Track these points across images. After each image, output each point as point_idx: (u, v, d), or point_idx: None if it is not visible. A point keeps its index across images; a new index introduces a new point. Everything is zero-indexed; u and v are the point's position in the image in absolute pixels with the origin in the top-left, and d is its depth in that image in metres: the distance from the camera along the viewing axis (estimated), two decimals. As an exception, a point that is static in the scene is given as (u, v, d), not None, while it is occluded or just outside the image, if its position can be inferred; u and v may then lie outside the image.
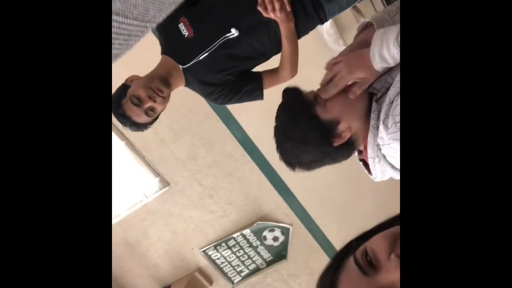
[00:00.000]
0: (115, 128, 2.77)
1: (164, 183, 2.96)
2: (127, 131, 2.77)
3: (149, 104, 1.26)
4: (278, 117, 0.97)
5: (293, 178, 2.81)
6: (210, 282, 3.32)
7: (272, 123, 2.64)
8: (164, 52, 1.36)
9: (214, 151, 2.81)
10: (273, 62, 1.43)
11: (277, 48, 1.36)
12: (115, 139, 2.81)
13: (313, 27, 1.40)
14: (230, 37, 1.29)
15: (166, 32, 1.33)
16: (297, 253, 3.20)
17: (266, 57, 1.38)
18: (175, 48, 1.33)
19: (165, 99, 1.30)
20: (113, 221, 3.14)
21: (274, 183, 2.88)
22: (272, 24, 1.28)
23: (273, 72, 1.41)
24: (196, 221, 3.10)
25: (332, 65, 0.93)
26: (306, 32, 1.40)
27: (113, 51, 0.44)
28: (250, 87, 1.39)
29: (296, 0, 1.27)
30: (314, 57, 2.18)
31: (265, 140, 2.77)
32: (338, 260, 0.53)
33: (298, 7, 1.29)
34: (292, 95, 0.96)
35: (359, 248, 0.51)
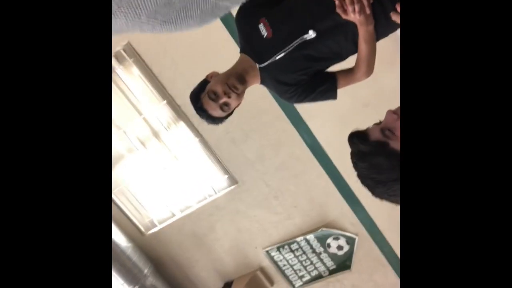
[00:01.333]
0: (190, 125, 2.93)
1: (233, 180, 3.05)
2: (202, 129, 2.92)
3: (224, 99, 1.32)
4: (356, 166, 0.94)
5: (362, 187, 2.71)
6: (271, 282, 3.34)
7: (342, 129, 2.58)
8: (242, 50, 1.41)
9: (282, 153, 2.82)
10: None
11: (354, 50, 1.34)
12: (191, 136, 2.97)
13: (393, 30, 1.35)
14: (307, 38, 1.30)
15: (246, 31, 1.39)
16: (362, 265, 3.07)
17: (341, 58, 1.38)
18: (254, 47, 1.37)
19: (240, 95, 1.35)
20: (184, 213, 3.32)
21: (341, 190, 2.81)
22: (350, 26, 1.27)
23: (348, 72, 1.41)
24: (260, 221, 3.14)
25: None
26: (386, 35, 1.36)
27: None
28: (325, 87, 1.40)
29: (377, 2, 1.24)
30: (392, 61, 2.08)
31: (334, 145, 2.72)
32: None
33: (379, 9, 1.25)
34: (358, 141, 0.92)
35: None
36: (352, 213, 2.88)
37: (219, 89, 1.31)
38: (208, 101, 1.33)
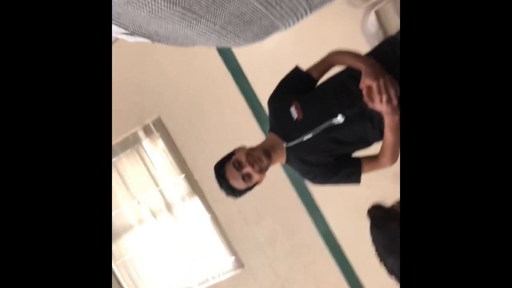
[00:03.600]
0: (205, 201, 2.93)
1: (239, 263, 2.93)
2: (215, 206, 2.91)
3: (248, 169, 1.34)
4: (384, 263, 0.94)
5: (376, 285, 2.55)
6: None
7: (359, 222, 2.53)
8: (271, 129, 1.49)
9: (293, 239, 2.74)
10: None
11: (380, 137, 1.39)
12: (203, 211, 2.95)
13: None
14: (335, 122, 1.37)
15: (278, 112, 1.48)
16: None
17: (368, 144, 1.43)
18: (283, 128, 1.44)
19: (263, 170, 1.38)
20: (184, 294, 3.13)
21: (352, 287, 2.64)
22: (377, 114, 1.32)
23: (373, 158, 1.44)
24: (263, 313, 2.93)
25: None
26: None
27: None
28: (349, 171, 1.42)
29: None
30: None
31: (349, 236, 2.64)
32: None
33: None
34: (372, 212, 0.95)
35: None
36: (364, 315, 2.67)
37: (243, 158, 1.35)
38: (231, 168, 1.36)
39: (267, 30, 0.77)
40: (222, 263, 3.00)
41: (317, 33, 2.42)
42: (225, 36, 0.71)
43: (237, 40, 0.76)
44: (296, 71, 1.51)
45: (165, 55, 2.73)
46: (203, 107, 2.80)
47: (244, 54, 2.61)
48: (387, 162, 1.40)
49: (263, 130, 2.63)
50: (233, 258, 2.94)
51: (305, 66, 1.52)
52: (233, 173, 1.36)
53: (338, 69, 1.48)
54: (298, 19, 0.79)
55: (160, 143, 2.98)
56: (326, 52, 1.50)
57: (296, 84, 1.47)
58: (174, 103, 2.85)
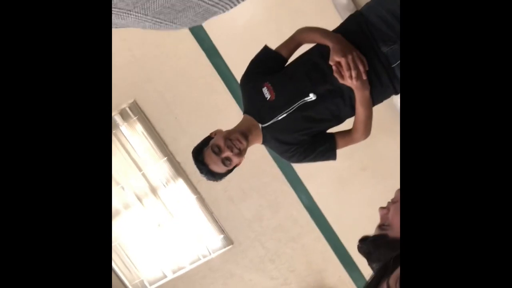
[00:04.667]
0: (189, 182, 2.93)
1: (228, 241, 2.98)
2: (200, 186, 2.92)
3: (227, 153, 1.35)
4: (373, 269, 0.95)
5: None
6: None
7: (341, 192, 2.59)
8: (246, 111, 1.48)
9: (279, 214, 2.79)
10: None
11: (352, 112, 1.41)
12: (188, 193, 2.96)
13: (387, 96, 1.43)
14: (308, 100, 1.36)
15: (250, 94, 1.47)
16: (362, 338, 2.89)
17: (340, 120, 1.44)
18: (257, 109, 1.44)
19: (242, 153, 1.38)
20: (176, 274, 3.19)
21: (339, 256, 2.73)
22: (348, 90, 1.34)
23: (346, 133, 1.46)
24: (256, 285, 3.01)
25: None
26: (380, 101, 1.44)
27: None
28: (324, 148, 1.44)
29: (372, 69, 1.32)
30: (388, 127, 2.14)
31: (333, 208, 2.70)
32: (375, 281, 0.53)
33: (373, 77, 1.33)
34: (361, 244, 0.95)
35: (394, 272, 0.50)
36: (351, 280, 2.77)
37: (222, 143, 1.35)
38: (210, 154, 1.36)
39: (203, 16, 0.77)
40: (212, 242, 3.04)
41: (289, 6, 2.37)
42: (160, 24, 0.71)
43: (173, 26, 0.76)
44: (265, 50, 1.50)
45: (134, 37, 2.64)
46: (180, 89, 2.75)
47: (217, 32, 2.54)
48: (360, 136, 1.42)
49: (242, 108, 2.62)
50: (221, 236, 2.99)
51: (279, 39, 1.50)
52: (212, 158, 1.36)
53: (307, 47, 1.47)
54: (238, 2, 0.77)
55: (139, 127, 2.94)
56: (300, 25, 1.48)
57: (266, 64, 1.46)
58: (149, 86, 2.79)
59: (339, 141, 1.45)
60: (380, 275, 0.54)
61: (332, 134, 1.46)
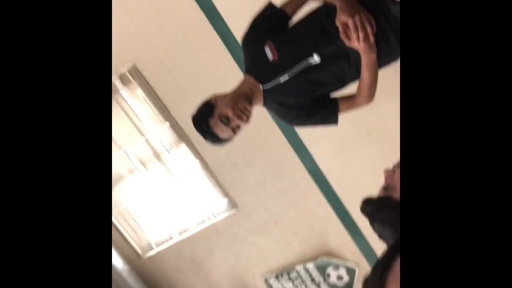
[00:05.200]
0: (192, 148, 2.93)
1: (233, 204, 3.02)
2: (203, 152, 2.92)
3: (237, 122, 1.34)
4: (374, 229, 0.94)
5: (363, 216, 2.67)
6: (269, 312, 3.25)
7: (344, 156, 2.57)
8: (247, 71, 1.43)
9: (283, 179, 2.81)
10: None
11: (356, 76, 1.37)
12: (192, 158, 2.97)
13: (395, 59, 1.38)
14: (312, 62, 1.32)
15: (252, 53, 1.42)
16: (362, 297, 2.99)
17: (344, 84, 1.41)
18: (259, 69, 1.40)
19: (249, 118, 1.38)
20: (182, 236, 3.27)
21: (342, 219, 2.77)
22: (354, 53, 1.29)
23: (350, 98, 1.42)
24: (259, 248, 3.09)
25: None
26: (387, 64, 1.39)
27: None
28: (326, 112, 1.41)
29: (380, 31, 1.27)
30: (392, 91, 2.09)
31: (336, 173, 2.70)
32: (388, 258, 0.53)
33: (381, 39, 1.28)
34: (365, 204, 0.94)
35: None
36: (353, 242, 2.83)
37: (230, 113, 1.32)
38: (219, 125, 1.34)
39: None
40: (216, 206, 3.09)
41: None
42: None
43: None
44: (269, 7, 1.42)
45: (134, 2, 2.55)
46: (180, 52, 2.68)
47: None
48: (364, 100, 1.39)
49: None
50: (225, 200, 3.03)
51: (278, 1, 1.43)
52: (221, 128, 1.35)
53: (313, 5, 1.40)
54: None
55: (139, 92, 2.90)
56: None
57: (269, 22, 1.40)
58: (148, 50, 2.72)
59: (341, 105, 1.41)
60: (392, 252, 0.54)
61: (334, 99, 1.43)
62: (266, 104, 1.44)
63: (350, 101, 1.42)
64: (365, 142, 2.54)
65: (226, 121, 1.33)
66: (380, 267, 0.55)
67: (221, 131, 1.35)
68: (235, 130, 1.35)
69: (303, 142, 2.64)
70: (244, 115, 1.33)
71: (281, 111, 1.44)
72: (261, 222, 2.99)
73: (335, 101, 1.42)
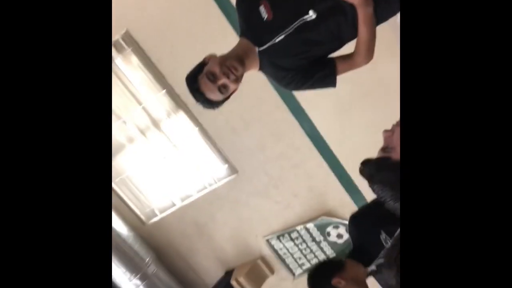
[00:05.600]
0: (190, 114, 2.92)
1: (233, 170, 3.06)
2: (202, 118, 2.91)
3: (223, 80, 1.29)
4: (374, 191, 0.94)
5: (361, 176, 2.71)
6: (272, 271, 3.37)
7: (342, 118, 2.56)
8: (242, 34, 1.40)
9: (282, 142, 2.82)
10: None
11: (354, 34, 1.33)
12: (190, 125, 2.97)
13: (392, 14, 1.34)
14: (308, 19, 1.29)
15: (247, 14, 1.38)
16: (362, 253, 3.09)
17: (341, 42, 1.37)
18: (253, 30, 1.36)
19: (238, 79, 1.33)
20: (184, 202, 3.33)
21: (341, 179, 2.81)
22: (350, 7, 1.26)
23: (348, 57, 1.39)
24: (260, 210, 3.16)
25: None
26: (385, 19, 1.35)
27: None
28: (323, 73, 1.38)
29: None
30: (393, 51, 2.06)
31: (334, 134, 2.72)
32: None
33: None
34: (364, 166, 0.94)
35: None
36: (352, 202, 2.89)
37: (217, 69, 1.29)
38: (206, 82, 1.30)
39: None
40: (217, 171, 3.12)
41: None
42: None
43: None
44: None
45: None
46: (173, 16, 2.60)
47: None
48: (362, 59, 1.35)
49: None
50: (226, 165, 3.06)
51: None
52: (208, 85, 1.31)
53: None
54: None
55: (134, 59, 2.85)
56: None
57: None
58: (141, 15, 2.64)
59: (339, 66, 1.38)
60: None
61: (332, 59, 1.39)
62: (262, 68, 1.41)
63: (348, 60, 1.38)
64: (363, 102, 2.53)
65: (212, 78, 1.29)
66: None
67: (208, 89, 1.31)
68: (221, 90, 1.31)
69: (301, 105, 2.63)
70: (231, 73, 1.29)
71: (278, 75, 1.41)
72: (262, 186, 3.03)
73: (333, 61, 1.38)
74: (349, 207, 2.94)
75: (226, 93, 1.33)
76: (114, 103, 3.09)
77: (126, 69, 2.96)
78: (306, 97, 2.58)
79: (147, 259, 3.40)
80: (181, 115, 2.97)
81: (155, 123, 3.10)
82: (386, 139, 0.94)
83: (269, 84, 2.56)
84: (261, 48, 1.35)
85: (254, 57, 1.36)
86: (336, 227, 3.05)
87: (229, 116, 2.80)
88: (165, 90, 2.89)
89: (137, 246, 3.38)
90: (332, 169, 2.79)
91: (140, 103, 3.04)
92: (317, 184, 2.93)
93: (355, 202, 2.89)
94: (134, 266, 3.27)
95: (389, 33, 1.45)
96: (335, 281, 1.38)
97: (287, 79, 1.39)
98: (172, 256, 3.64)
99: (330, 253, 3.18)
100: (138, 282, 3.28)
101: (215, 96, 1.33)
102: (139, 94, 3.03)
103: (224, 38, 2.52)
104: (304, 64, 1.36)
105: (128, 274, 3.25)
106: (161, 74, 2.85)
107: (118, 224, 3.32)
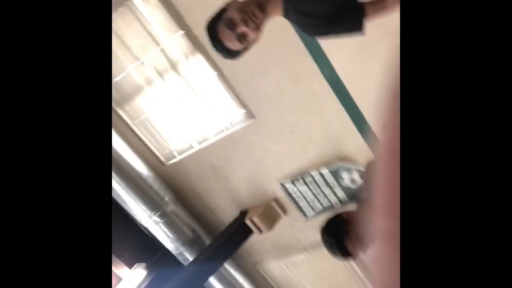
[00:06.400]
0: (208, 58, 2.89)
1: (250, 114, 3.08)
2: (220, 62, 2.88)
3: (242, 28, 1.23)
4: None
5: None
6: (285, 211, 3.51)
7: (363, 61, 2.50)
8: None
9: (300, 87, 2.80)
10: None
11: None
12: (208, 69, 2.95)
13: None
14: None
15: None
16: (373, 198, 3.17)
17: None
18: None
19: (259, 27, 1.26)
20: (202, 145, 3.41)
21: (358, 125, 2.81)
22: None
23: (379, 0, 1.30)
24: (276, 154, 3.21)
25: None
26: None
27: None
28: (351, 18, 1.30)
29: None
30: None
31: (354, 80, 2.67)
32: None
33: None
34: None
35: None
36: (368, 148, 2.91)
37: (236, 16, 1.22)
38: (224, 30, 1.24)
39: None
40: (234, 116, 3.15)
41: None
42: None
43: None
44: None
45: None
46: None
47: None
48: (395, 1, 1.28)
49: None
50: (243, 110, 3.07)
51: None
52: (226, 33, 1.24)
53: None
54: None
55: (153, -2, 2.79)
56: None
57: None
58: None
59: (369, 10, 1.29)
60: None
61: (361, 3, 1.31)
62: (286, 14, 1.34)
63: (379, 4, 1.29)
64: (387, 44, 2.45)
65: (231, 25, 1.23)
66: None
67: (226, 38, 1.25)
68: (241, 39, 1.24)
69: (322, 48, 2.57)
70: (251, 21, 1.21)
71: (303, 21, 1.33)
72: (278, 130, 3.06)
73: (361, 5, 1.30)
74: (364, 153, 2.97)
75: (245, 42, 1.26)
76: (132, 43, 3.07)
77: (143, 8, 2.90)
78: (327, 41, 2.51)
79: (166, 198, 3.56)
80: (199, 58, 2.94)
81: (173, 66, 3.09)
82: None
83: (290, 26, 2.49)
84: None
85: (277, 3, 1.29)
86: (350, 172, 3.10)
87: (247, 60, 2.75)
88: (183, 31, 2.84)
89: (157, 186, 3.53)
90: (349, 114, 2.78)
91: (158, 44, 3.01)
92: (333, 130, 2.93)
93: (370, 147, 2.91)
94: (154, 205, 3.44)
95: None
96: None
97: (313, 26, 1.33)
98: (190, 196, 3.80)
99: (342, 196, 3.27)
100: (158, 219, 3.47)
101: (234, 45, 1.27)
102: (157, 35, 2.99)
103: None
104: (331, 9, 1.28)
105: (148, 212, 3.43)
106: (179, 14, 2.79)
107: (138, 164, 3.44)
